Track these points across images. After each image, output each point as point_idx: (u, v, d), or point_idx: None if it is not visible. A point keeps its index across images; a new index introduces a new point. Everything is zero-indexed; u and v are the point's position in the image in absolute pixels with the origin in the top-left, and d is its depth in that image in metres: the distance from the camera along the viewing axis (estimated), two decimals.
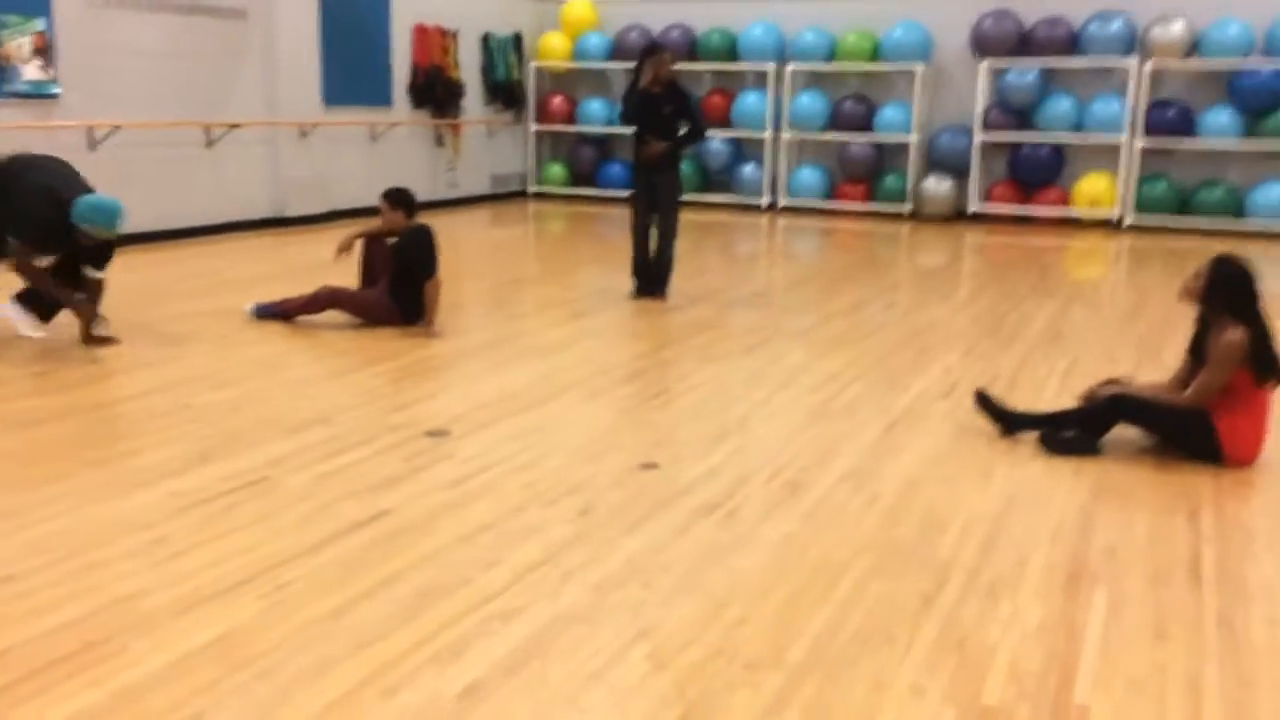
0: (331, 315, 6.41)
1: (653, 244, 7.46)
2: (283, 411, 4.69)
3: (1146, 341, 6.34)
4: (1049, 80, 12.38)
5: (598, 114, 14.56)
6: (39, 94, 8.53)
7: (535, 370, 5.47)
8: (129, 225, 9.25)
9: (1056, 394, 5.12)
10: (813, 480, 3.93)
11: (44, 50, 8.56)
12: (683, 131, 7.30)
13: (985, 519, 3.61)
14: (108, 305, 6.48)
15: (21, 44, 8.37)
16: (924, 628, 2.83)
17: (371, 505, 3.62)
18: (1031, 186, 12.55)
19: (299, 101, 10.93)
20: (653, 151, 7.23)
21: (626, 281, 7.76)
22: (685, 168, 13.88)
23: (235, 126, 10.18)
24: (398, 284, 6.28)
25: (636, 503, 3.69)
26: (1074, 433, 4.32)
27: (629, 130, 7.56)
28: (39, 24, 8.49)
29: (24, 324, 5.87)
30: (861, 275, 8.93)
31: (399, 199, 6.35)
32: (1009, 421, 4.48)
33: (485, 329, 6.41)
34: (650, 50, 7.38)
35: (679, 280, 7.89)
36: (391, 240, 6.36)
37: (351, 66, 11.70)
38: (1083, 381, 5.11)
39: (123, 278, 7.95)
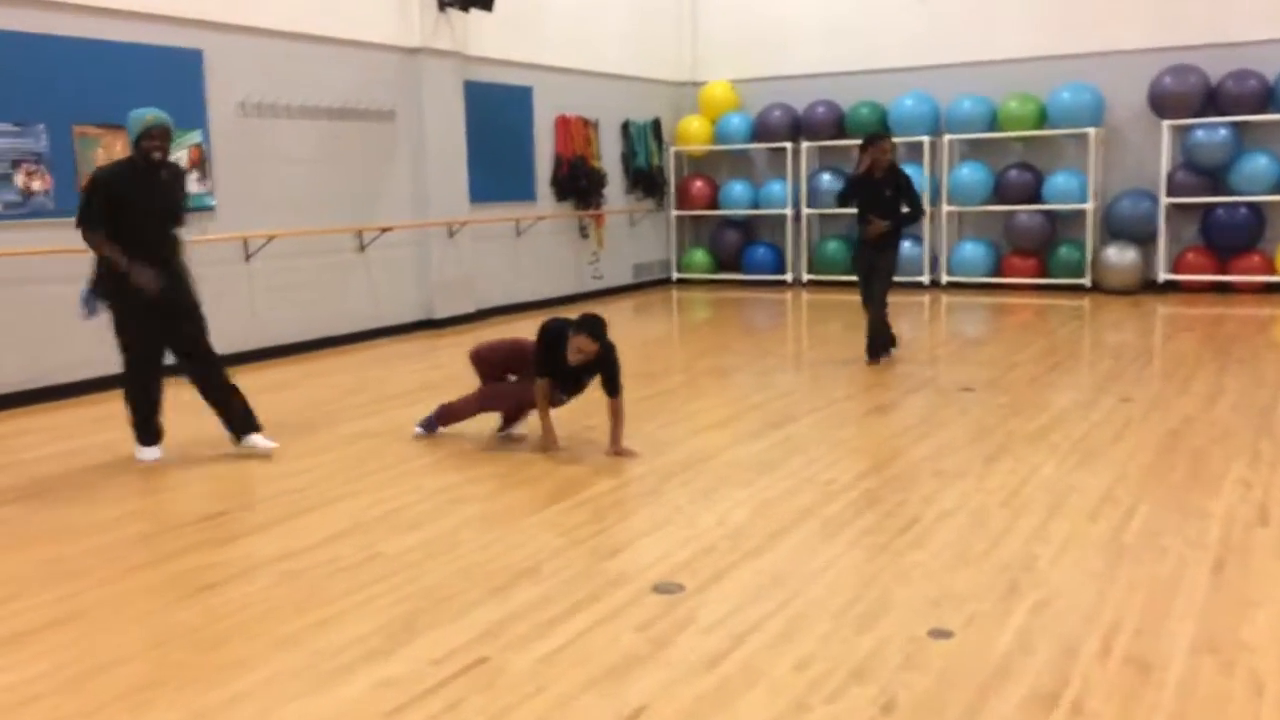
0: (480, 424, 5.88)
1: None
2: (481, 560, 4.08)
3: None
4: (1242, 137, 11.34)
5: (741, 196, 14.03)
6: (197, 207, 8.36)
7: (750, 498, 4.77)
8: (284, 336, 9.12)
9: None
10: (1160, 654, 3.11)
11: (200, 163, 8.42)
12: (904, 211, 7.88)
13: None
14: (272, 423, 6.07)
15: (179, 157, 8.23)
16: None
17: (620, 700, 2.94)
18: (1228, 252, 11.44)
19: (447, 200, 10.66)
20: (876, 229, 7.82)
21: (814, 382, 7.15)
22: (836, 247, 13.32)
23: (386, 230, 9.92)
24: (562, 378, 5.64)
25: (947, 691, 2.93)
26: None
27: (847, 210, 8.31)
28: (196, 136, 8.37)
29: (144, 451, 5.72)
30: (1067, 361, 8.03)
31: (597, 331, 5.43)
32: None
33: (671, 444, 5.76)
34: (871, 139, 7.95)
35: (869, 375, 7.18)
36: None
37: (496, 162, 11.44)
38: None
39: (282, 395, 7.63)
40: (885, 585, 3.71)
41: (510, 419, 6.00)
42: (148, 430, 5.71)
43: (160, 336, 5.58)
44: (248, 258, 8.77)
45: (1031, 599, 3.54)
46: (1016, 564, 3.85)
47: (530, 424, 5.96)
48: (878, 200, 7.87)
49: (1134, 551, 3.93)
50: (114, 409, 6.06)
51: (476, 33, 10.89)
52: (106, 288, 5.45)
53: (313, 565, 4.09)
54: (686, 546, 4.16)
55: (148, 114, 5.39)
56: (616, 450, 5.53)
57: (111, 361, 5.74)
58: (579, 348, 5.42)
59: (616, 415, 5.55)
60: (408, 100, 10.22)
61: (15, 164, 7.20)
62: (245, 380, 8.04)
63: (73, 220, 5.47)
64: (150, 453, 5.71)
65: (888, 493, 4.78)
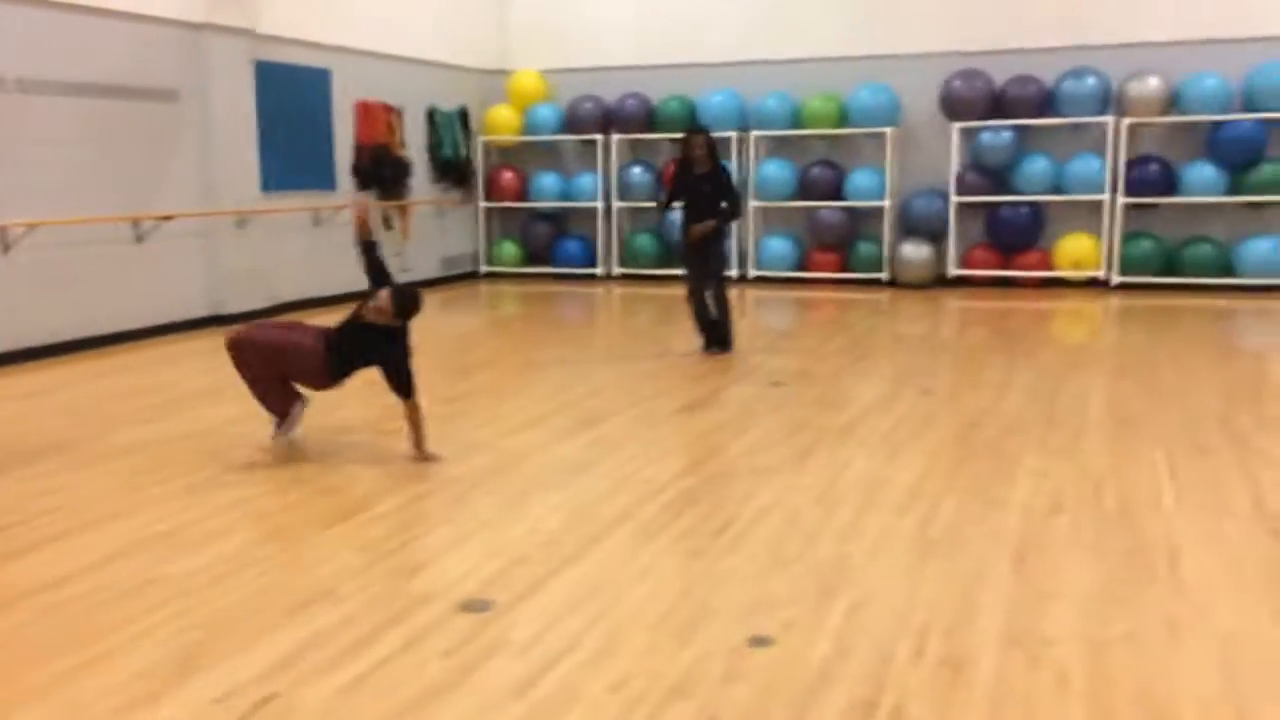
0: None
1: (712, 309, 8.03)
2: (276, 582, 3.76)
3: (1232, 424, 5.71)
4: (1024, 140, 12.01)
5: (551, 188, 13.83)
6: None
7: (565, 502, 4.61)
8: (54, 335, 8.30)
9: (1179, 498, 4.43)
10: (971, 652, 3.13)
11: None
12: (722, 207, 7.85)
13: (1220, 699, 2.85)
14: (33, 432, 5.49)
15: None
16: None
17: None
18: (1012, 249, 12.10)
19: (236, 188, 9.99)
20: (696, 233, 7.80)
21: (627, 379, 7.09)
22: (646, 241, 13.33)
23: (167, 218, 9.20)
24: (340, 343, 5.24)
25: (769, 703, 2.85)
26: None
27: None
28: None
29: None
30: (873, 354, 8.25)
31: (404, 308, 5.19)
32: None
33: (480, 447, 5.53)
34: (687, 134, 7.96)
35: (681, 371, 7.17)
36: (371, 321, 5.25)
37: (291, 149, 10.82)
38: (1204, 477, 4.43)
39: (47, 400, 6.95)
40: (703, 593, 3.61)
41: (285, 413, 5.33)
42: None
43: None
44: (5, 249, 7.93)
45: (846, 600, 3.52)
46: (830, 564, 3.84)
47: (310, 422, 5.56)
48: (696, 197, 7.87)
49: (940, 546, 4.00)
50: None
51: (269, 9, 10.25)
52: None
53: (78, 595, 3.66)
54: (496, 558, 3.96)
55: None
56: (420, 455, 5.24)
57: None
58: (379, 307, 5.14)
59: (413, 419, 5.22)
60: (191, 80, 9.51)
61: None
62: (6, 385, 7.33)
63: None
64: None
65: (705, 492, 4.71)
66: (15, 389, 7.27)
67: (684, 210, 8.00)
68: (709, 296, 8.04)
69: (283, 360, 5.27)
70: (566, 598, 3.58)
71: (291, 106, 10.77)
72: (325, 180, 11.41)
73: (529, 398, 6.84)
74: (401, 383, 5.19)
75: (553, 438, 5.73)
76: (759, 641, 3.21)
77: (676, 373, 7.49)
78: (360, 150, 11.85)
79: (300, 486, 4.88)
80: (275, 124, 10.46)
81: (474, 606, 3.51)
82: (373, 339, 5.21)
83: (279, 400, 5.32)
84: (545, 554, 3.98)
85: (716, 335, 8.12)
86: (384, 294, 5.19)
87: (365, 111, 11.89)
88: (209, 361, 8.37)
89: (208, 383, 7.18)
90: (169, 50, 9.30)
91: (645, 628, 3.34)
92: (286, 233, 10.74)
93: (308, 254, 11.04)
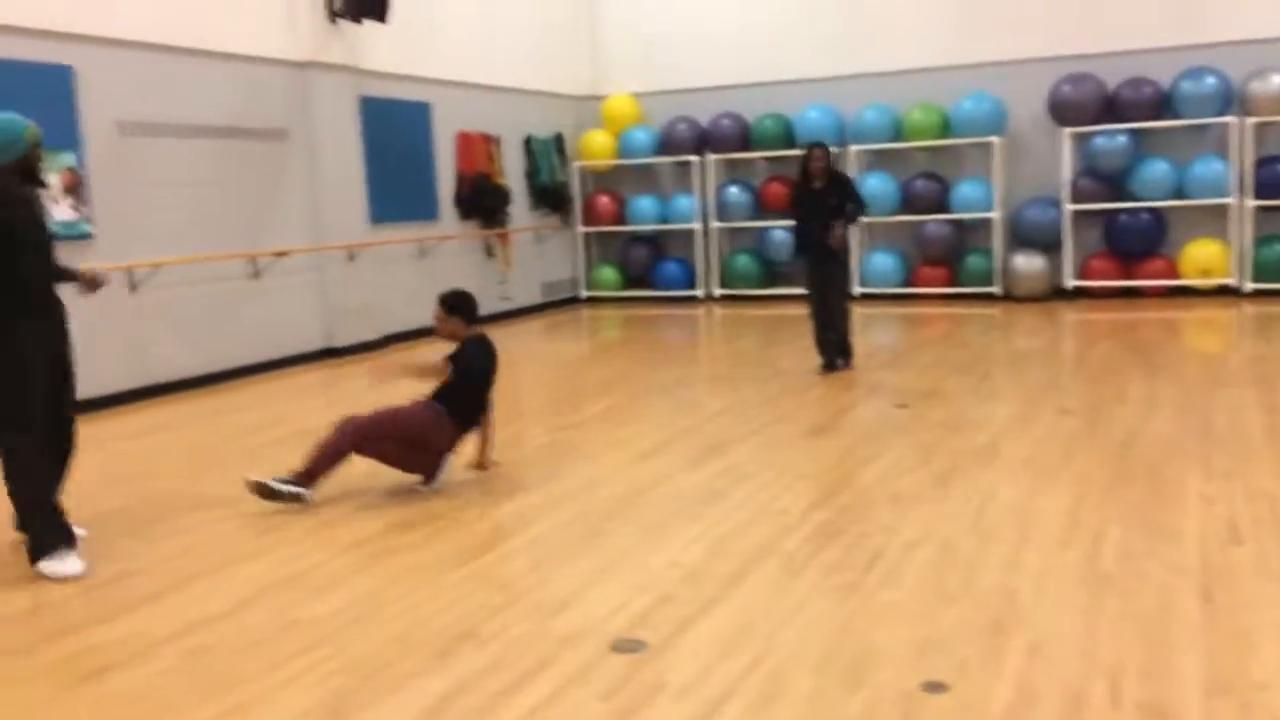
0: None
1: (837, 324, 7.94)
2: (414, 623, 3.65)
3: None
4: (1140, 144, 11.52)
5: (648, 211, 13.75)
6: (71, 235, 7.68)
7: (701, 534, 4.44)
8: (176, 372, 8.43)
9: None
10: (1174, 699, 2.87)
11: (75, 188, 7.74)
12: (849, 207, 7.88)
13: None
14: (157, 469, 5.53)
15: (52, 182, 7.54)
16: None
17: None
18: (1132, 257, 11.59)
19: (345, 222, 10.11)
20: (837, 236, 7.72)
21: (743, 403, 6.94)
22: (746, 261, 13.14)
23: (281, 254, 9.34)
24: (450, 394, 5.24)
25: None
26: None
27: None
28: (68, 159, 7.69)
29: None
30: (997, 371, 7.94)
31: (457, 304, 5.33)
32: None
33: (604, 477, 5.40)
34: (805, 149, 8.03)
35: (799, 394, 6.98)
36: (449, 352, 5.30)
37: (396, 182, 10.92)
38: None
39: (175, 435, 7.04)
40: (864, 632, 3.40)
41: (434, 471, 5.28)
42: (55, 526, 4.33)
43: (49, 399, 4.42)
44: (132, 288, 8.11)
45: (1021, 640, 3.27)
46: (997, 600, 3.60)
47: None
48: (823, 211, 7.79)
49: (1115, 581, 3.71)
50: None
51: (370, 46, 10.38)
52: None
53: (217, 640, 3.60)
54: (640, 595, 3.80)
55: (29, 122, 4.37)
56: (485, 464, 5.47)
57: None
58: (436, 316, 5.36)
59: (488, 428, 5.48)
60: (299, 117, 9.66)
61: None
62: (130, 423, 7.46)
63: None
64: (71, 564, 4.27)
65: (847, 523, 4.49)
66: (138, 426, 7.39)
67: (808, 226, 7.86)
68: (833, 309, 7.91)
69: (408, 429, 5.18)
70: (720, 637, 3.40)
71: (395, 140, 10.88)
72: (429, 211, 11.49)
73: (647, 424, 6.70)
74: (487, 377, 5.38)
75: (678, 466, 5.57)
76: (934, 687, 2.99)
77: (793, 395, 7.28)
78: (462, 180, 11.92)
79: (427, 523, 4.80)
80: (380, 158, 10.58)
81: (625, 647, 3.36)
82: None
83: (423, 463, 5.23)
84: (690, 590, 3.81)
85: (839, 349, 8.00)
86: (446, 324, 5.33)
87: (465, 142, 11.97)
88: (323, 396, 8.47)
89: (323, 418, 7.17)
90: (278, 90, 9.46)
91: (808, 670, 3.14)
92: (393, 265, 10.83)
93: (413, 286, 11.10)
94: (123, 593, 4.10)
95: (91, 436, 5.70)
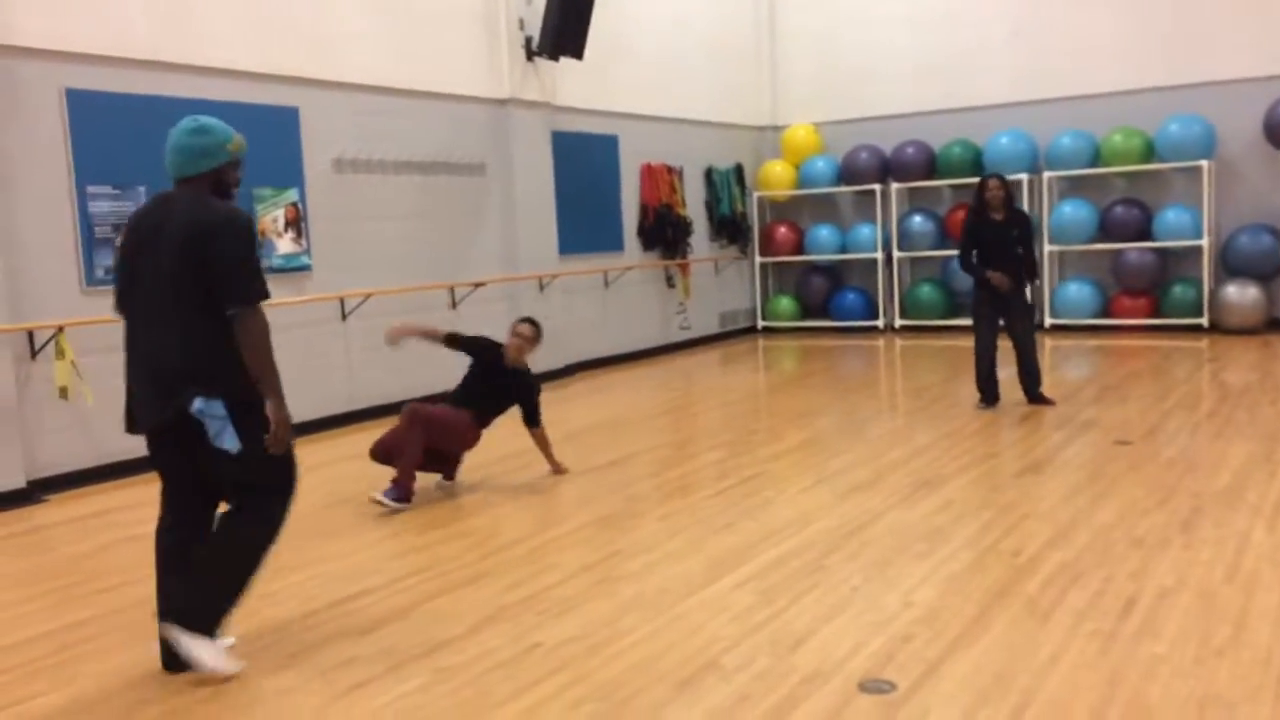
0: None
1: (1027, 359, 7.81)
2: (654, 652, 3.66)
3: None
4: None
5: (827, 241, 13.62)
6: (292, 267, 8.14)
7: (931, 573, 4.30)
8: (384, 397, 8.81)
9: None
10: None
11: (296, 222, 8.20)
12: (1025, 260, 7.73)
13: None
14: (359, 491, 5.73)
15: (276, 217, 8.03)
16: None
17: None
18: None
19: (537, 253, 10.38)
20: (1000, 282, 7.55)
21: (947, 437, 6.74)
22: (930, 291, 12.84)
23: (479, 285, 9.64)
24: (483, 405, 6.15)
25: None
26: None
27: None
28: (292, 194, 8.16)
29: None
30: (1222, 407, 7.45)
31: (541, 330, 6.42)
32: None
33: (818, 510, 5.31)
34: (980, 179, 7.80)
35: (1007, 429, 6.71)
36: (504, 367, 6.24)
37: (584, 213, 11.16)
38: None
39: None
40: (1133, 684, 3.21)
41: (409, 489, 5.81)
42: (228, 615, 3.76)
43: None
44: (344, 317, 8.52)
45: None
46: (1276, 655, 3.34)
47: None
48: (1001, 243, 7.62)
49: None
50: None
51: (563, 82, 10.67)
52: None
53: (462, 663, 3.69)
54: (878, 634, 3.71)
55: (235, 132, 3.77)
56: (558, 469, 6.30)
57: None
58: (518, 332, 6.24)
59: (544, 440, 6.25)
60: (498, 152, 9.99)
61: (116, 228, 7.00)
62: (345, 445, 7.79)
63: None
64: (229, 662, 3.68)
65: (1087, 566, 4.28)
66: (350, 449, 7.70)
67: (982, 260, 7.66)
68: (1020, 339, 7.72)
69: (442, 431, 5.91)
70: (972, 683, 3.28)
71: (584, 172, 11.12)
72: (614, 242, 11.68)
73: (851, 457, 6.57)
74: (537, 414, 6.19)
75: (893, 501, 5.43)
76: None
77: (999, 430, 7.03)
78: (645, 211, 12.08)
79: (644, 552, 4.82)
80: (570, 190, 10.83)
81: (874, 688, 3.27)
82: (510, 383, 6.17)
83: (412, 476, 5.79)
84: (930, 631, 3.70)
85: (1031, 380, 7.82)
86: (521, 326, 6.32)
87: (649, 173, 12.13)
88: (513, 425, 8.63)
89: (519, 446, 7.35)
90: (479, 126, 9.81)
91: None
92: (579, 295, 11.04)
93: (598, 315, 11.31)
94: (370, 609, 4.25)
95: (311, 458, 5.97)
